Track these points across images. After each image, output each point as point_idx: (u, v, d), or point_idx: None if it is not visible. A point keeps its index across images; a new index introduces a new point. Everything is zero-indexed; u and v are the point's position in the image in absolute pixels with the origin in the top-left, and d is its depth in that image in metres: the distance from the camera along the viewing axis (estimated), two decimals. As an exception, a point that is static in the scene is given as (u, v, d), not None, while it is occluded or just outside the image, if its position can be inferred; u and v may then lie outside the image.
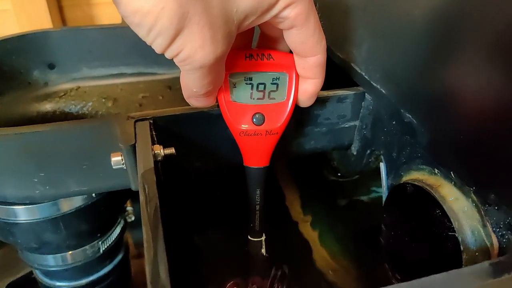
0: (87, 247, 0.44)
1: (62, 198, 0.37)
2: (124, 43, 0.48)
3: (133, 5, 0.21)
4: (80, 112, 0.47)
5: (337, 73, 0.36)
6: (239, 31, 0.25)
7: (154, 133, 0.31)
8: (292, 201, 0.47)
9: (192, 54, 0.23)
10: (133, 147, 0.29)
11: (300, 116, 0.35)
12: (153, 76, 0.49)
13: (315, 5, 0.27)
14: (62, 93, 0.47)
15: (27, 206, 0.37)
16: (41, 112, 0.46)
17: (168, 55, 0.24)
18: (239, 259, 0.37)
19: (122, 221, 0.48)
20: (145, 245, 0.22)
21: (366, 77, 0.34)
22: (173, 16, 0.21)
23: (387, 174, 0.34)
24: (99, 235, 0.44)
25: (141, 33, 0.22)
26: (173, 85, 0.49)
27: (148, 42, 0.23)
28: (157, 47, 0.23)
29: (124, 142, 0.29)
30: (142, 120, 0.31)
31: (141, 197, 0.25)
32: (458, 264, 0.25)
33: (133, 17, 0.21)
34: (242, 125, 0.30)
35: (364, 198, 0.44)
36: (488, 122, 0.24)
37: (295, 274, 0.38)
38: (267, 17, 0.25)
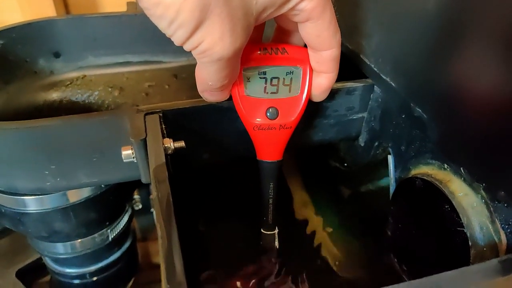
0: (96, 235, 0.44)
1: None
2: (129, 31, 0.47)
3: None
4: (87, 101, 0.47)
5: (345, 63, 0.35)
6: (256, 23, 0.25)
7: (163, 126, 0.31)
8: (297, 191, 0.47)
9: (212, 46, 0.23)
10: (144, 141, 0.29)
11: (309, 109, 0.35)
12: (159, 65, 0.49)
13: None
14: (68, 82, 0.47)
15: (37, 197, 0.37)
16: (48, 101, 0.46)
17: (187, 47, 0.23)
18: (251, 251, 0.38)
19: (130, 209, 0.49)
20: (159, 241, 0.23)
21: (376, 69, 0.34)
22: (195, 8, 0.21)
23: (395, 167, 0.34)
24: (107, 223, 0.45)
25: (162, 25, 0.22)
26: (179, 74, 0.49)
27: (168, 34, 0.23)
28: (177, 39, 0.23)
29: (135, 137, 0.29)
30: (152, 113, 0.31)
31: (153, 193, 0.25)
32: (466, 259, 0.26)
33: (155, 9, 0.21)
34: (256, 119, 0.30)
35: (372, 187, 0.44)
36: (500, 119, 0.24)
37: (302, 266, 0.39)
38: (285, 9, 0.25)
